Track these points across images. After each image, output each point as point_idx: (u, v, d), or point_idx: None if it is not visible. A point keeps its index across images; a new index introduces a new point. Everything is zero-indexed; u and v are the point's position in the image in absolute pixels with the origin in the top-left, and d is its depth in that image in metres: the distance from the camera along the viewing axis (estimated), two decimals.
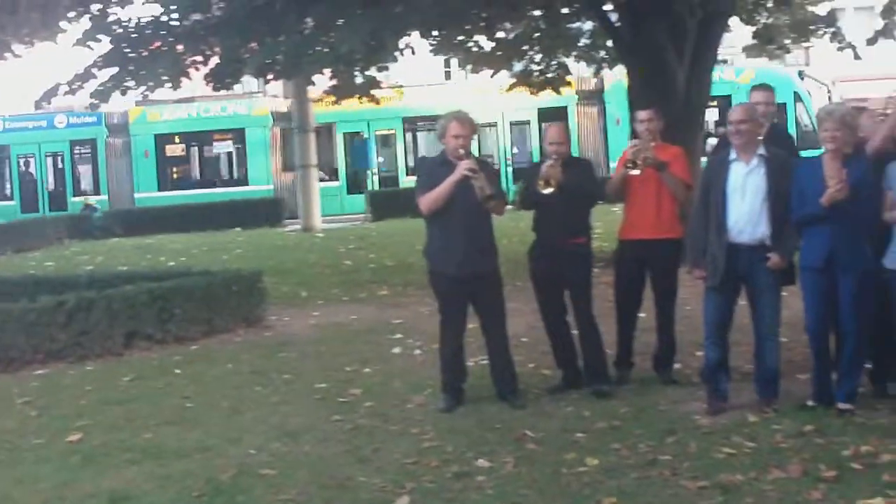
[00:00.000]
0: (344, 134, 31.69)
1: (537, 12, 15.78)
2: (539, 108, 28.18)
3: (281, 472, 6.04)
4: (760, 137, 6.95)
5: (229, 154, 33.22)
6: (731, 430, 6.26)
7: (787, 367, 7.47)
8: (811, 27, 17.75)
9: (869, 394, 6.86)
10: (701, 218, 6.87)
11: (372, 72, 16.79)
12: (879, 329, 6.68)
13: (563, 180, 7.17)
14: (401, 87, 28.59)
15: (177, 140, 32.62)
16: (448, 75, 36.44)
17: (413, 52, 14.99)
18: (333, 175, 31.76)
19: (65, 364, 9.61)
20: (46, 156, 33.25)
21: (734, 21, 16.98)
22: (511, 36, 18.04)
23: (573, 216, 7.38)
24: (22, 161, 33.30)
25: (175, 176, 33.16)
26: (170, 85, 13.70)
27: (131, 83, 13.76)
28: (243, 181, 32.18)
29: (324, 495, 5.64)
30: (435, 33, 15.96)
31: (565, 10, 15.76)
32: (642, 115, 7.74)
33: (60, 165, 33.46)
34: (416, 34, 14.62)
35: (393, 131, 32.01)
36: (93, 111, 22.41)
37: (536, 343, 8.45)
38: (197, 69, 14.04)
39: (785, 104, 25.30)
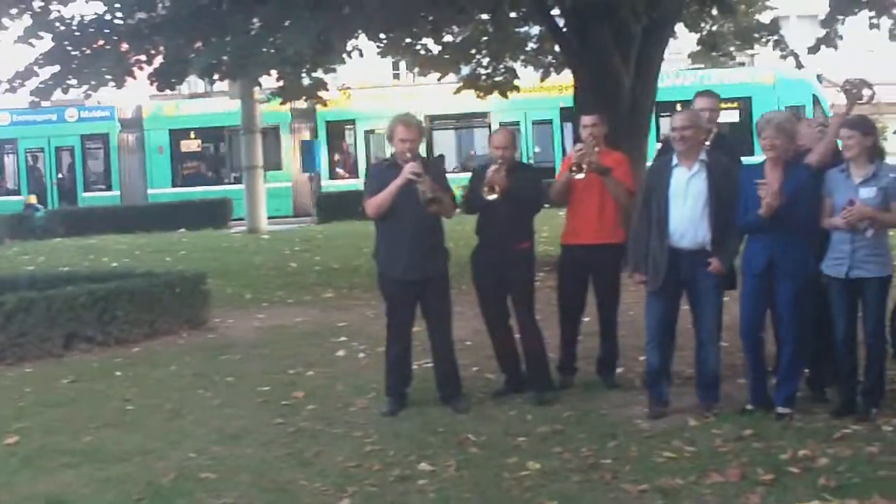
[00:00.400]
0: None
1: (485, 16, 15.81)
2: (561, 108, 27.31)
3: (221, 475, 5.98)
4: (707, 143, 7.03)
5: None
6: (672, 435, 6.31)
7: (728, 372, 7.56)
8: (755, 35, 17.96)
9: (807, 398, 6.94)
10: (643, 222, 6.92)
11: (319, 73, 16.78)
12: (818, 334, 6.78)
13: (508, 186, 7.18)
14: (348, 88, 28.31)
15: (192, 136, 31.88)
16: (396, 77, 36.39)
17: (361, 55, 14.96)
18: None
19: (3, 366, 9.45)
20: (57, 150, 32.37)
21: (680, 28, 17.16)
22: (458, 39, 18.08)
23: (517, 221, 7.38)
24: (30, 156, 32.44)
25: (190, 172, 32.35)
26: (113, 84, 13.54)
27: (73, 81, 13.58)
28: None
29: (265, 499, 5.60)
30: (382, 36, 15.92)
31: (513, 15, 15.82)
32: (586, 119, 7.77)
33: (70, 160, 32.61)
34: (363, 36, 14.59)
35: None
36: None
37: (481, 347, 8.45)
38: (141, 69, 13.88)
39: (804, 106, 25.64)
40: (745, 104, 25.71)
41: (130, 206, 29.15)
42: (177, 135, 31.52)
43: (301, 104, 24.18)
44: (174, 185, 31.43)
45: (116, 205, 29.66)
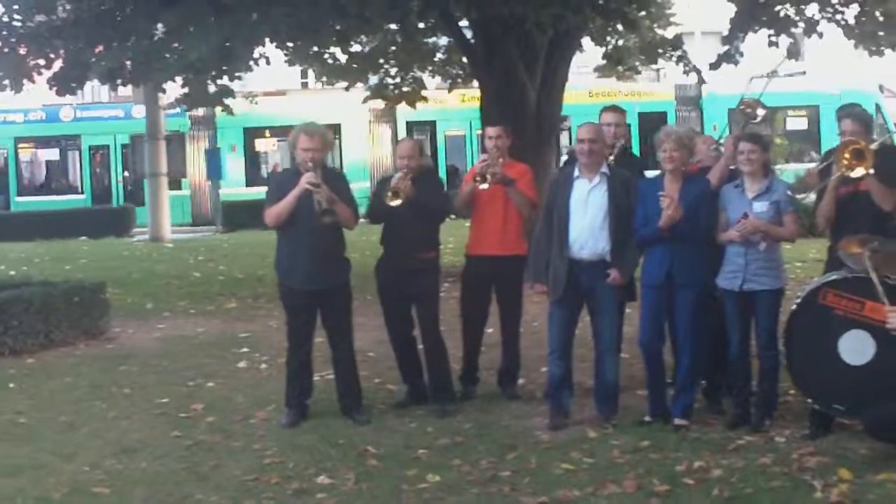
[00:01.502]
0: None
1: (393, 26, 15.81)
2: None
3: (115, 490, 5.87)
4: (612, 157, 7.11)
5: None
6: (571, 446, 6.35)
7: (628, 383, 7.65)
8: (659, 50, 18.25)
9: (704, 409, 7.05)
10: (544, 233, 6.97)
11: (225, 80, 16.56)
12: (715, 346, 6.89)
13: (412, 193, 7.18)
14: (255, 95, 27.96)
15: (268, 134, 31.01)
16: (305, 85, 36.11)
17: (268, 62, 14.83)
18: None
19: None
20: (123, 148, 31.14)
21: (587, 42, 17.37)
22: (367, 49, 18.05)
23: (421, 230, 7.36)
24: (94, 152, 31.28)
25: (264, 171, 31.29)
26: (11, 89, 13.22)
27: None
28: None
29: None
30: (290, 44, 15.81)
31: (421, 25, 15.83)
32: (491, 131, 7.81)
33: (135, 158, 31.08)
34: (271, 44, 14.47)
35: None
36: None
37: (383, 358, 8.42)
38: (40, 73, 13.58)
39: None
40: (812, 113, 27.59)
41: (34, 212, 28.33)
42: (251, 133, 30.75)
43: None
44: (248, 185, 30.31)
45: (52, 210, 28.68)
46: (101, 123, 31.08)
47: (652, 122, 25.30)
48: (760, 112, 7.33)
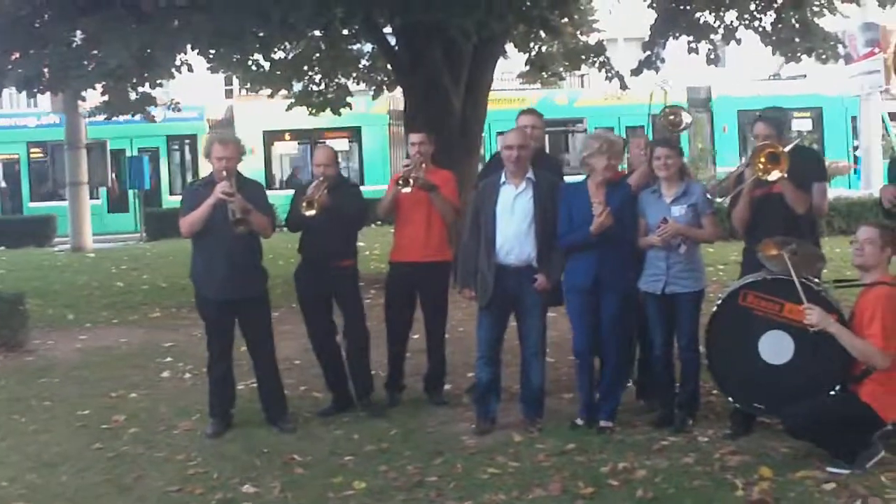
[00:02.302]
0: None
1: (317, 33, 15.74)
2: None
3: None
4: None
5: (345, 153, 29.91)
6: (497, 450, 6.37)
7: (554, 387, 7.71)
8: (582, 56, 18.38)
9: (629, 411, 7.12)
10: (472, 239, 6.99)
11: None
12: (640, 348, 6.97)
13: (328, 202, 7.17)
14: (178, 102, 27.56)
15: (288, 137, 30.18)
16: (229, 93, 35.75)
17: (190, 69, 14.68)
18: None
19: None
20: (140, 152, 29.88)
21: (511, 48, 17.45)
22: (290, 56, 17.93)
23: (339, 239, 7.40)
24: (113, 157, 29.49)
25: (287, 174, 30.51)
26: None
27: None
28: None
29: None
30: (212, 51, 15.65)
31: (345, 32, 15.78)
32: (414, 137, 7.83)
33: (156, 162, 30.44)
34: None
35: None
36: None
37: (308, 366, 8.38)
38: None
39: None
40: (816, 114, 27.74)
41: None
42: (271, 136, 29.92)
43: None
44: (269, 188, 29.19)
45: None
46: (119, 127, 30.37)
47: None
48: (686, 119, 7.45)
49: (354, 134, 29.90)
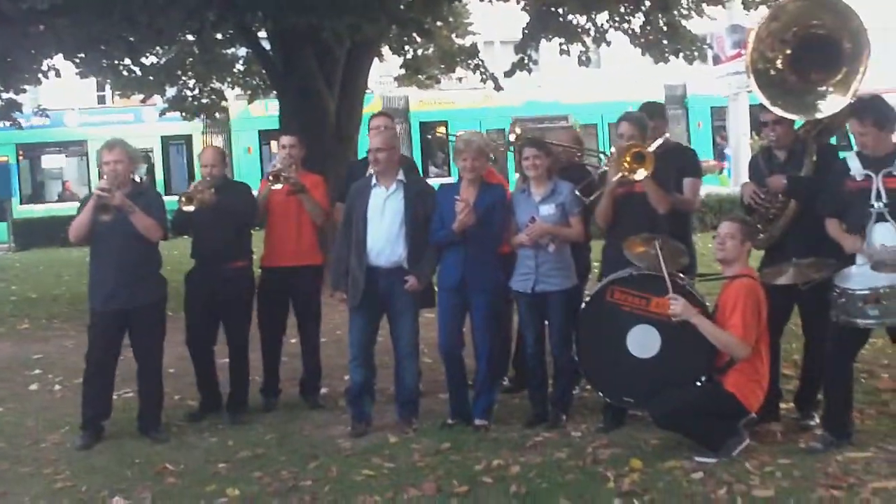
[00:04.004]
0: None
1: (189, 37, 15.50)
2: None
3: None
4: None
5: None
6: (372, 452, 6.37)
7: (430, 387, 7.76)
8: (457, 59, 18.48)
9: (504, 409, 7.19)
10: (344, 241, 6.98)
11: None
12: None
13: (214, 201, 7.12)
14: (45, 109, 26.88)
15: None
16: (101, 99, 34.95)
17: (58, 75, 14.33)
18: None
19: None
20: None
21: (388, 51, 17.46)
22: (163, 60, 17.64)
23: (230, 239, 7.34)
24: None
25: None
26: None
27: None
28: None
29: None
30: (81, 56, 15.29)
31: (218, 36, 15.59)
32: (285, 140, 7.81)
33: (150, 163, 29.36)
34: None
35: None
36: None
37: (183, 374, 8.25)
38: None
39: None
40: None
41: None
42: (267, 135, 28.86)
43: None
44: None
45: None
46: (108, 128, 29.03)
47: None
48: (517, 131, 7.60)
49: None
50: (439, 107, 29.62)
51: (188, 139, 29.74)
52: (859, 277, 5.71)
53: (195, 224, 7.32)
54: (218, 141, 29.76)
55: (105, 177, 6.85)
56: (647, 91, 31.78)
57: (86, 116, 30.49)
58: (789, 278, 6.09)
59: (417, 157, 28.43)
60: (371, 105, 29.18)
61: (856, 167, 5.93)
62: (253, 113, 28.72)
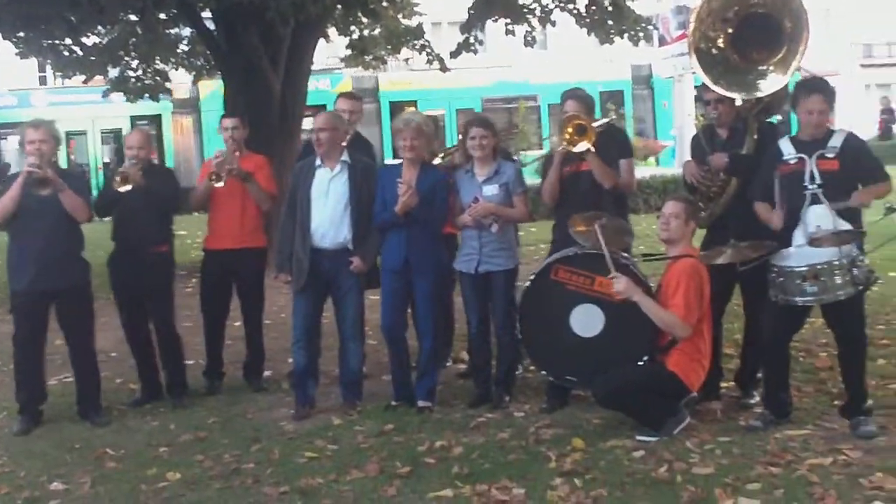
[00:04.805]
0: None
1: (132, 17, 15.28)
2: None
3: None
4: (345, 143, 7.10)
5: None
6: (315, 434, 6.34)
7: (375, 369, 7.75)
8: (403, 39, 18.41)
9: (448, 390, 7.20)
10: (288, 223, 6.93)
11: None
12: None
13: (142, 182, 7.01)
14: None
15: None
16: (43, 80, 34.37)
17: None
18: None
19: None
20: (102, 134, 28.19)
21: (334, 32, 17.36)
22: (105, 40, 17.37)
23: (153, 223, 7.25)
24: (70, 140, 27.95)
25: None
26: None
27: None
28: None
29: None
30: (21, 34, 15.03)
31: (162, 16, 15.39)
32: (227, 122, 7.73)
33: (117, 144, 28.65)
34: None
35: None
36: None
37: (125, 357, 8.11)
38: None
39: None
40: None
41: None
42: None
43: None
44: None
45: None
46: (77, 108, 29.04)
47: (611, 99, 29.19)
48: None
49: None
50: (409, 87, 29.65)
51: (157, 119, 29.38)
52: (797, 256, 5.76)
53: (119, 207, 7.22)
54: (188, 121, 29.56)
55: (30, 156, 6.73)
56: (615, 71, 32.66)
57: (53, 96, 29.98)
58: (727, 259, 6.13)
59: (387, 137, 28.49)
60: (341, 85, 29.49)
61: (788, 150, 5.98)
62: (223, 92, 28.53)
